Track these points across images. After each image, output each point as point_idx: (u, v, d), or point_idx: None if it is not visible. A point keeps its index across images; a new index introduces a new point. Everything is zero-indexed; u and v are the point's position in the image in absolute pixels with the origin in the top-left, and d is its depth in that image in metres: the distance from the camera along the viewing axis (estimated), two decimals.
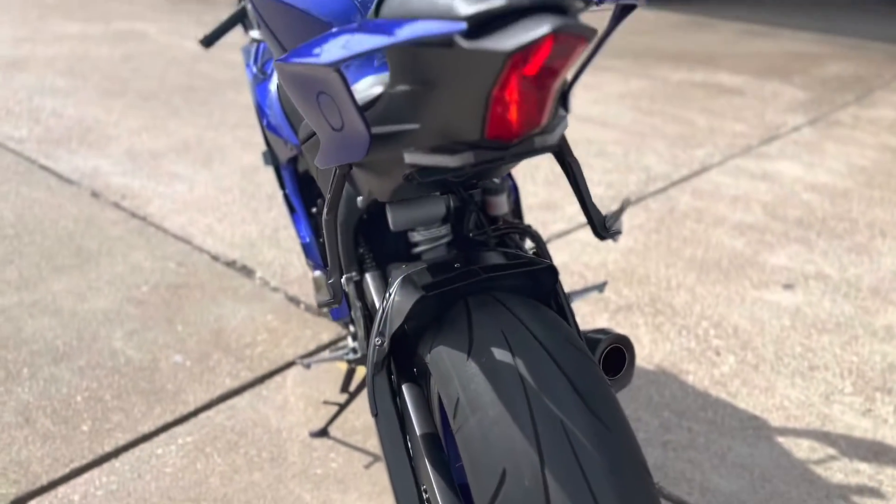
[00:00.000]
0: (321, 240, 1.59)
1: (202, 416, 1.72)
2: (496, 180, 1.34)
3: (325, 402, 1.58)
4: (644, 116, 4.19)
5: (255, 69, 1.67)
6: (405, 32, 0.67)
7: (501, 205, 1.34)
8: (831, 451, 1.71)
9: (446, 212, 1.19)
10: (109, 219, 2.63)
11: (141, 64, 4.70)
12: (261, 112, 1.61)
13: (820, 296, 2.36)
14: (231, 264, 2.38)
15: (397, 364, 1.08)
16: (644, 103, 4.44)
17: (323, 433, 1.67)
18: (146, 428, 1.67)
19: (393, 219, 1.14)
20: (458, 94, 0.73)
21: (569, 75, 0.85)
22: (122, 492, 1.50)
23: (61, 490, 1.50)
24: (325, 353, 1.47)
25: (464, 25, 0.65)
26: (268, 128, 1.58)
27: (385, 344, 1.04)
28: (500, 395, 0.84)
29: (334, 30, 0.77)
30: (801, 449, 1.71)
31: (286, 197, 1.68)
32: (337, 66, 0.72)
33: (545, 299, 1.09)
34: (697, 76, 5.16)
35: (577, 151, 3.57)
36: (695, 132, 3.94)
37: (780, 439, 1.74)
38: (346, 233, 1.27)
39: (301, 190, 1.67)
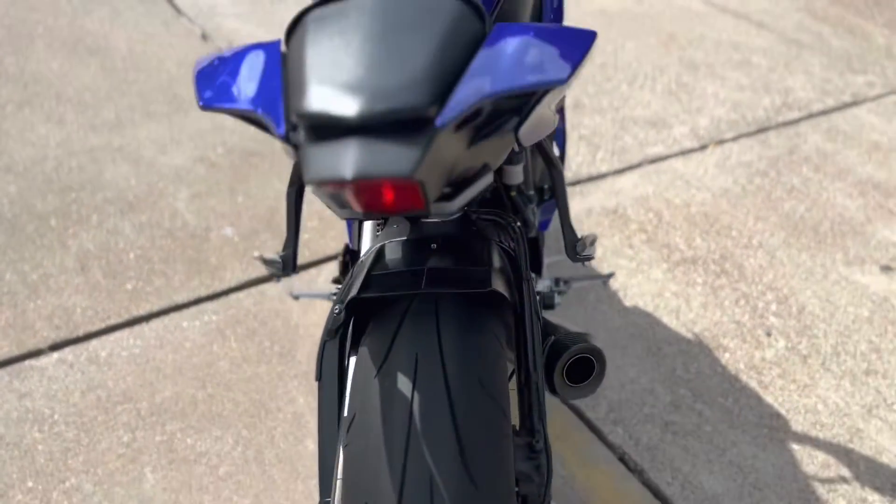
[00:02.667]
0: None
1: (233, 296, 1.83)
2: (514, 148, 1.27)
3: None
4: (813, 22, 3.69)
5: None
6: (259, 108, 0.64)
7: (514, 174, 1.27)
8: (846, 472, 1.61)
9: None
10: None
11: None
12: None
13: None
14: None
15: (355, 332, 1.09)
16: (821, 4, 3.90)
17: None
18: (181, 298, 1.80)
19: None
20: None
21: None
22: (143, 357, 1.65)
23: (93, 344, 1.67)
24: (319, 290, 1.49)
25: (282, 132, 0.60)
26: None
27: (341, 313, 1.05)
28: (386, 429, 0.84)
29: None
30: (813, 463, 1.62)
31: None
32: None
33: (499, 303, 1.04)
34: None
35: (718, 56, 3.24)
36: (865, 52, 3.44)
37: (794, 447, 1.65)
38: None
39: None
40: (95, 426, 1.52)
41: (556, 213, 1.61)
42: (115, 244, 1.93)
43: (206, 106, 0.70)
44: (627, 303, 1.97)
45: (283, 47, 0.75)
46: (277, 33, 2.96)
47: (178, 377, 1.62)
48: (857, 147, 2.73)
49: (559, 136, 1.47)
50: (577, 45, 0.71)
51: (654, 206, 2.31)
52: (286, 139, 0.64)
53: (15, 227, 1.95)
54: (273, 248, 1.97)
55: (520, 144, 0.81)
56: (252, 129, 2.40)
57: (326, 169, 0.60)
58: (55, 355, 1.65)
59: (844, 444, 1.66)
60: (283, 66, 0.71)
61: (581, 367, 1.13)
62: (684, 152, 2.59)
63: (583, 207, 2.27)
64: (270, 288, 1.86)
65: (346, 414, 1.01)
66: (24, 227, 1.95)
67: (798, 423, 1.69)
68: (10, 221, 1.96)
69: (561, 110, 1.38)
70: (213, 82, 0.72)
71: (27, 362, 1.63)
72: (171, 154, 2.25)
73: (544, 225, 1.58)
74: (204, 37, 2.87)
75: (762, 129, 2.78)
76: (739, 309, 1.98)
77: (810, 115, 2.90)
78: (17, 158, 2.17)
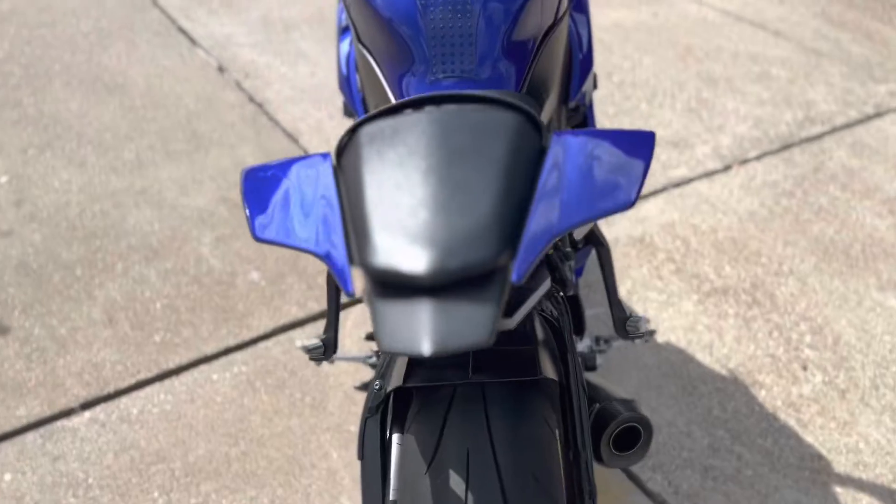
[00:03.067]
0: None
1: (261, 345, 1.81)
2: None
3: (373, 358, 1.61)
4: (831, 28, 3.64)
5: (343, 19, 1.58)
6: (323, 255, 0.62)
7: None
8: None
9: None
10: (228, 101, 2.68)
11: None
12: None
13: None
14: None
15: (395, 409, 1.07)
16: (837, 9, 3.84)
17: (366, 388, 1.72)
18: (209, 349, 1.79)
19: None
20: None
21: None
22: (174, 414, 1.64)
23: (123, 401, 1.66)
24: (355, 352, 1.48)
25: (351, 291, 0.59)
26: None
27: (383, 391, 1.03)
28: None
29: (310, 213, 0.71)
30: None
31: None
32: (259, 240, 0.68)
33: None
34: None
35: (737, 69, 3.20)
36: (886, 59, 3.39)
37: (838, 489, 1.61)
38: None
39: None
40: (130, 489, 1.51)
41: (593, 255, 1.59)
42: (142, 294, 1.92)
43: (262, 240, 0.69)
44: (659, 338, 1.94)
45: (333, 160, 0.73)
46: (293, 63, 2.95)
47: (210, 434, 1.61)
48: (883, 162, 2.69)
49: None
50: (639, 152, 0.69)
51: (681, 234, 2.28)
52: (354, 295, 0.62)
53: (42, 278, 1.94)
54: (300, 291, 1.96)
55: (572, 238, 0.79)
56: None
57: (402, 340, 0.58)
58: (87, 414, 1.64)
59: (888, 485, 1.63)
60: (338, 191, 0.69)
61: (627, 433, 1.11)
62: (708, 174, 2.56)
63: (609, 237, 2.24)
64: (300, 333, 1.85)
65: (390, 497, 0.99)
66: (51, 277, 1.95)
67: (840, 464, 1.66)
68: (37, 272, 1.96)
69: None
70: (266, 210, 0.70)
71: (59, 423, 1.62)
72: (193, 195, 2.24)
73: (578, 272, 1.56)
74: (220, 69, 2.86)
75: (786, 146, 2.74)
76: (773, 342, 1.94)
77: (833, 130, 2.86)
78: (40, 205, 2.17)
